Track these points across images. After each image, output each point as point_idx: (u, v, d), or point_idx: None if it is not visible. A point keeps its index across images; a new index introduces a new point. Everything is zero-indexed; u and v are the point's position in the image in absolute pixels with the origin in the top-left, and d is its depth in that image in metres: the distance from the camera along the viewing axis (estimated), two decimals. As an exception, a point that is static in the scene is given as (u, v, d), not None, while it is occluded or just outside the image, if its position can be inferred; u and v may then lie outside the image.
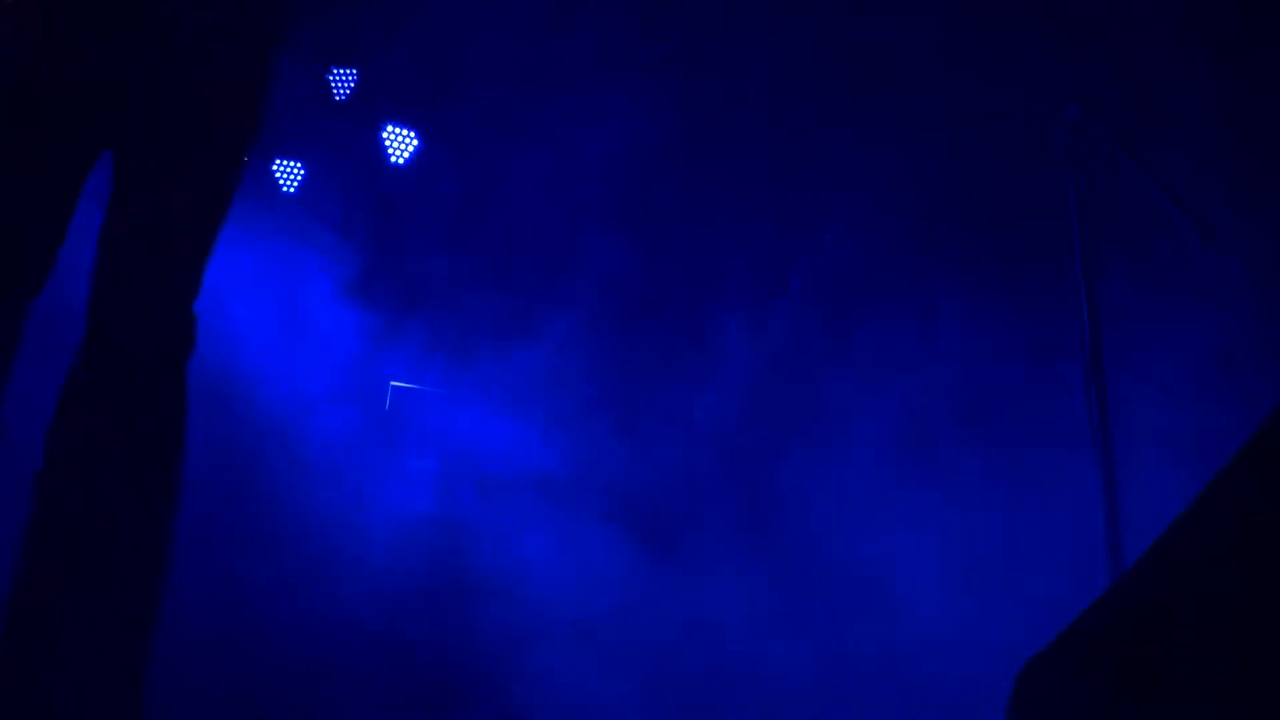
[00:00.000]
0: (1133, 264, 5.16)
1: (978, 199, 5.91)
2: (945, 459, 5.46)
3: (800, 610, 5.25)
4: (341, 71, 7.47)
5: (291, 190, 7.49)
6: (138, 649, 2.85)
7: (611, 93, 6.88)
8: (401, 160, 7.31)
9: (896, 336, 5.88)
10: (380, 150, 7.32)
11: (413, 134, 7.47)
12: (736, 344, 6.64)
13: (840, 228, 6.19)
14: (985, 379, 5.54)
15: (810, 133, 6.38)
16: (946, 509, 5.29)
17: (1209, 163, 5.19)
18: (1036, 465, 5.14)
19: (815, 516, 5.54)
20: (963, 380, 5.62)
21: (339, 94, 7.47)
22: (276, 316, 7.12)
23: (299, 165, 7.50)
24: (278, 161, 7.54)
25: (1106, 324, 4.43)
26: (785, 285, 6.53)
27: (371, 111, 7.40)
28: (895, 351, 5.81)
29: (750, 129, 6.78)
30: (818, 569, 5.41)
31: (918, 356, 5.77)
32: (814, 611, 5.21)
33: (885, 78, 6.13)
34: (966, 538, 5.18)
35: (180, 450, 3.05)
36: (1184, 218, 4.57)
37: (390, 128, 7.25)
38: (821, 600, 5.26)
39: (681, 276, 7.01)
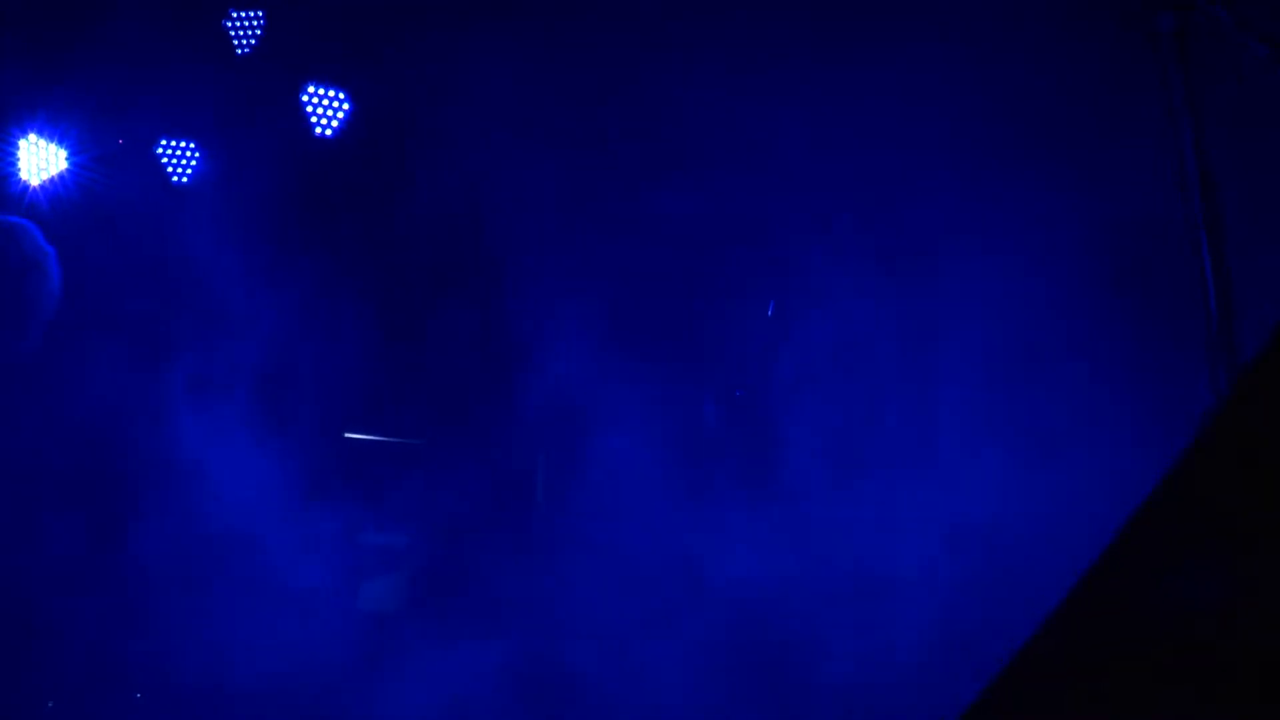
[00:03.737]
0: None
1: (1066, 114, 5.56)
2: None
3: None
4: (243, 15, 6.31)
5: (184, 180, 6.42)
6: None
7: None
8: (329, 131, 6.51)
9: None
10: (301, 119, 6.49)
11: (343, 96, 6.51)
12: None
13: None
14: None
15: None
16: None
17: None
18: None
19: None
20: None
21: (241, 46, 6.38)
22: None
23: (192, 146, 6.44)
24: (164, 143, 6.42)
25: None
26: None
27: (287, 68, 6.49)
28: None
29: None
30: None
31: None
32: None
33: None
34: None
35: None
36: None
37: (312, 89, 6.51)
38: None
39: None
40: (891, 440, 5.99)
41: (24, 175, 6.05)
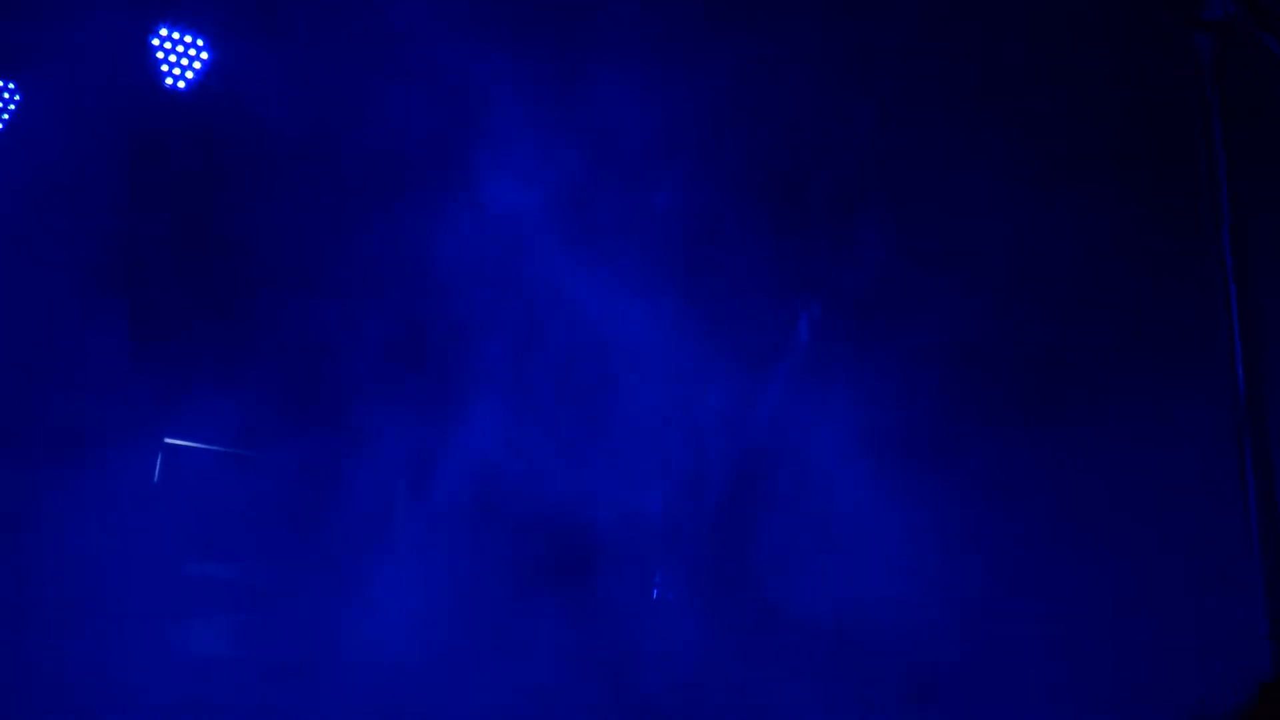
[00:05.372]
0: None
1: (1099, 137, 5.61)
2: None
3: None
4: (84, -62, 5.74)
5: (-1, 125, 5.78)
6: None
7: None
8: (181, 84, 5.91)
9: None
10: (149, 67, 5.90)
11: (201, 43, 5.92)
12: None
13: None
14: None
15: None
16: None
17: None
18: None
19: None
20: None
21: (81, -25, 5.76)
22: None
23: (11, 88, 5.80)
24: (-23, 81, 5.76)
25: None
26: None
27: (136, 5, 5.91)
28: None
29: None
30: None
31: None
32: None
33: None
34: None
35: None
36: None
37: (165, 32, 5.92)
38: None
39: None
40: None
41: None
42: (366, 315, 5.89)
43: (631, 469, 6.02)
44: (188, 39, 5.81)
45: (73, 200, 5.64)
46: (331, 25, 5.73)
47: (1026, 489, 5.63)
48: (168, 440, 6.08)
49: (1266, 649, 4.11)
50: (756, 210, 6.05)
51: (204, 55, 5.86)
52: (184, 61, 5.84)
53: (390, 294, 5.83)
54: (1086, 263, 5.51)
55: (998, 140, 5.58)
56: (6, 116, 5.72)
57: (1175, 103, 4.67)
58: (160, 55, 5.84)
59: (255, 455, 6.10)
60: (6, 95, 5.69)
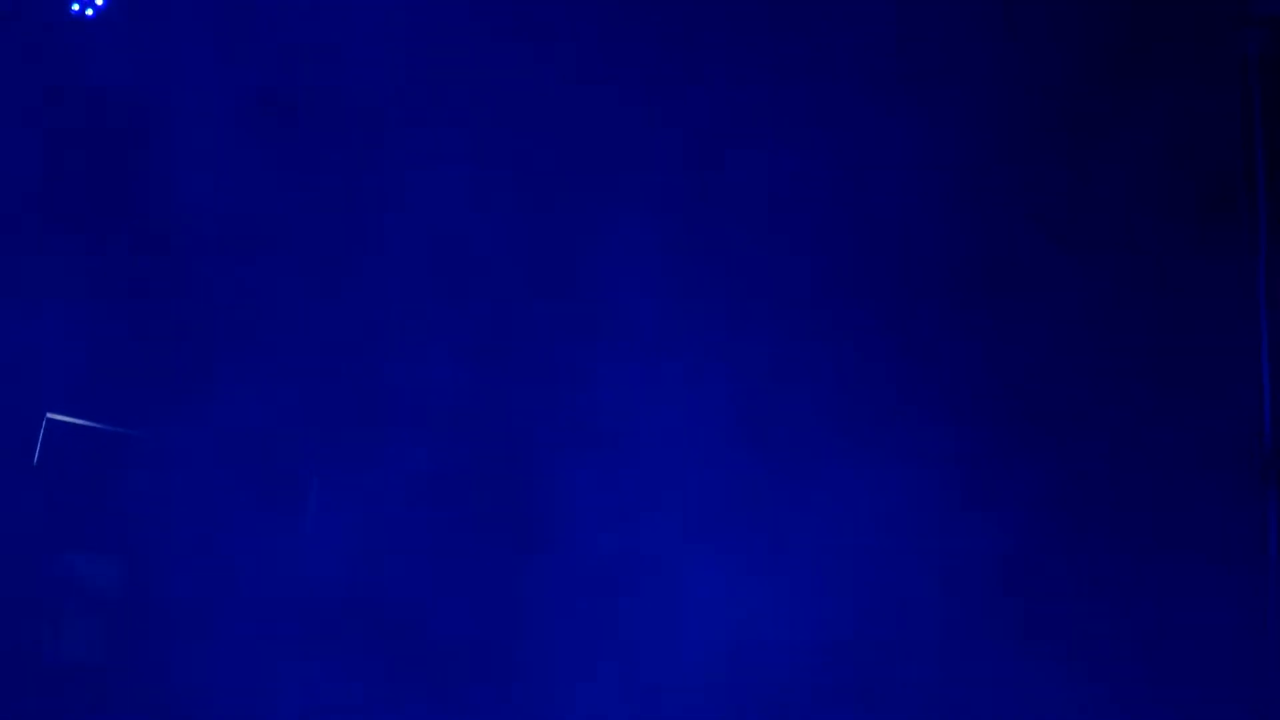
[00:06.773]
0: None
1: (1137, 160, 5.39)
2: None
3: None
4: None
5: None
6: None
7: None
8: (90, 10, 5.55)
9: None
10: None
11: None
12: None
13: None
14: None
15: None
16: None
17: None
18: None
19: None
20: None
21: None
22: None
23: None
24: None
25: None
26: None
27: None
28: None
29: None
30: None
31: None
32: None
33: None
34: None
35: None
36: None
37: None
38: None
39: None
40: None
41: None
42: (278, 279, 5.48)
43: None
44: (96, -34, 5.43)
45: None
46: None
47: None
48: (50, 416, 5.55)
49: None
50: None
51: (112, -17, 5.52)
52: (92, -11, 5.52)
53: (303, 251, 5.41)
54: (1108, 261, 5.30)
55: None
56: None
57: (1217, 102, 4.74)
58: (67, -18, 5.49)
59: (143, 434, 5.60)
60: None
